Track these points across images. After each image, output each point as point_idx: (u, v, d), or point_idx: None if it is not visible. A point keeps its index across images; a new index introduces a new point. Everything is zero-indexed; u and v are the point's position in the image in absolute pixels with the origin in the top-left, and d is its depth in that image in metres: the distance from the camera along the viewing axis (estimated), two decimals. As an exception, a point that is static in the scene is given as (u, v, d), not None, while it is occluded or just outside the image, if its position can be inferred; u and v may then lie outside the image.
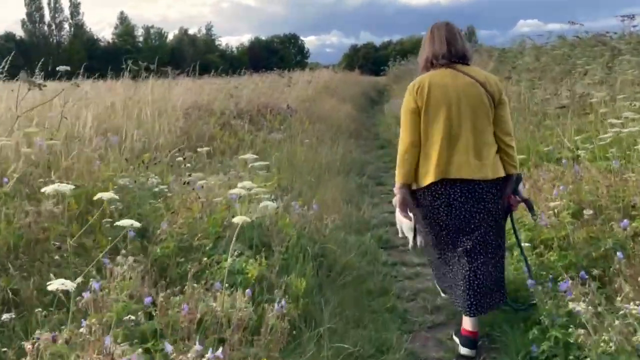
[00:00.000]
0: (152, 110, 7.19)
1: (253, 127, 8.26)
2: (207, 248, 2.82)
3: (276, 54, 72.35)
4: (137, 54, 62.71)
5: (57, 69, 4.81)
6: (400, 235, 4.24)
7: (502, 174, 2.66)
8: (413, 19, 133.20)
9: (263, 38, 79.71)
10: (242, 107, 9.27)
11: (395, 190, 2.78)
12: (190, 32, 74.56)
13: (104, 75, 10.10)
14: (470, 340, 2.68)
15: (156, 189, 3.95)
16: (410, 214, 2.80)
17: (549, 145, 5.48)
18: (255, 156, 3.25)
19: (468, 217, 2.65)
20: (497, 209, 2.70)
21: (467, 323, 2.70)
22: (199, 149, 4.12)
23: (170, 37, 73.23)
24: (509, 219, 2.83)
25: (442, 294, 3.16)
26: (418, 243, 3.42)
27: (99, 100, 6.45)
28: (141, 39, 71.62)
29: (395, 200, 2.87)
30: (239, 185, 2.21)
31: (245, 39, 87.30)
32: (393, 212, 5.12)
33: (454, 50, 2.71)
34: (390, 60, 27.31)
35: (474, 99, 2.64)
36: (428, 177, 2.63)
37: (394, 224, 4.77)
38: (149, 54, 62.27)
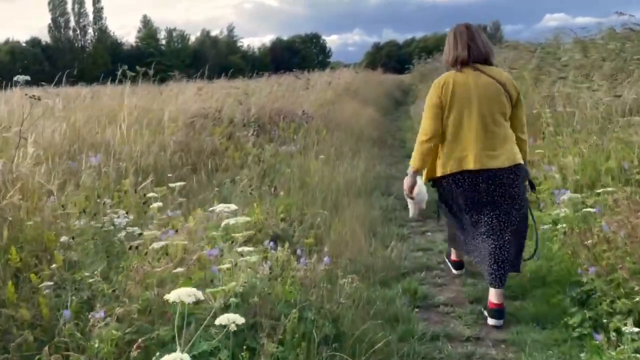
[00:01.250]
0: (149, 120, 6.34)
1: (264, 138, 7.34)
2: (159, 354, 1.88)
3: (298, 54, 71.83)
4: (160, 56, 63.05)
5: (15, 79, 3.98)
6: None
7: (518, 161, 2.91)
8: (436, 15, 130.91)
9: (285, 38, 79.17)
10: (253, 114, 8.36)
11: (409, 172, 3.14)
12: (213, 33, 74.38)
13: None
14: (497, 312, 2.89)
15: (123, 233, 3.05)
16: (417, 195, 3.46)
17: (622, 161, 4.41)
18: (232, 207, 2.27)
19: (488, 201, 2.91)
20: (517, 192, 2.92)
21: (493, 296, 2.92)
22: (171, 184, 3.19)
23: (193, 39, 73.19)
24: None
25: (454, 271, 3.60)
26: (411, 214, 3.97)
27: (81, 112, 5.59)
28: (164, 42, 71.81)
29: (406, 180, 3.22)
30: (181, 292, 1.27)
31: (268, 39, 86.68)
32: (428, 249, 4.15)
33: (476, 53, 2.94)
34: (414, 58, 26.11)
35: (493, 98, 2.89)
36: (449, 167, 2.91)
37: (430, 267, 3.78)
38: (172, 57, 62.55)
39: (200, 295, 1.32)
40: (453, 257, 3.61)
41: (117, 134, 5.37)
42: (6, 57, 52.16)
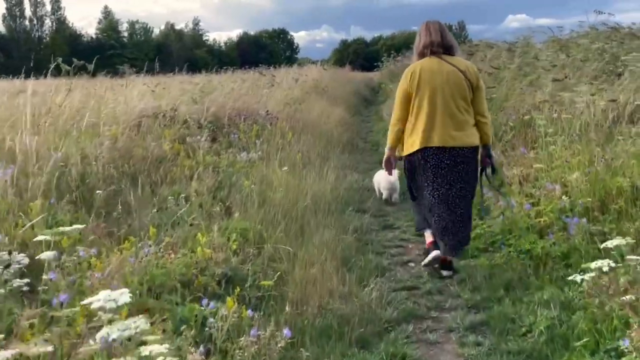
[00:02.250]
0: (81, 121, 5.41)
1: (221, 142, 6.50)
2: None
3: (265, 50, 71.01)
4: (121, 49, 60.90)
5: None
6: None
7: (476, 143, 3.41)
8: (404, 14, 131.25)
9: (252, 33, 78.06)
10: (210, 114, 7.50)
11: (386, 150, 3.61)
12: (178, 27, 72.63)
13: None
14: (447, 265, 3.50)
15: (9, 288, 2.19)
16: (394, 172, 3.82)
17: (634, 179, 3.78)
18: (122, 298, 1.39)
19: (449, 175, 3.35)
20: (472, 169, 3.43)
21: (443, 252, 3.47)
22: (64, 228, 2.27)
23: (157, 32, 71.30)
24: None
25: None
26: (393, 199, 4.48)
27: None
28: (126, 34, 69.72)
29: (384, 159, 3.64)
30: None
31: (235, 34, 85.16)
32: (414, 288, 3.42)
33: (444, 41, 3.41)
34: (383, 55, 25.53)
35: (455, 84, 3.33)
36: (417, 145, 3.35)
37: (418, 316, 3.03)
38: (134, 50, 60.43)
39: None
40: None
41: (39, 139, 4.44)
42: (-42, 48, 49.38)
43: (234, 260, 3.19)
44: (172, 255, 2.61)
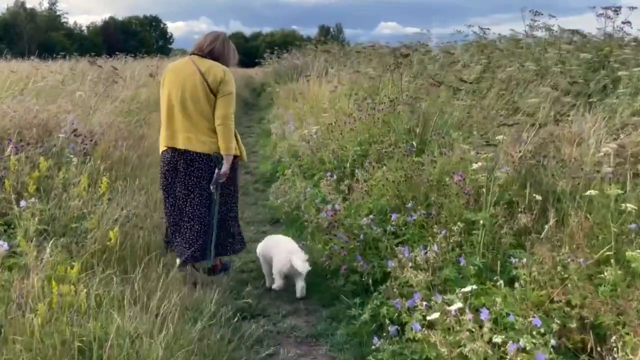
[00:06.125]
0: None
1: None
2: None
3: (135, 37, 64.97)
4: (-42, 28, 51.22)
5: None
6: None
7: (210, 150, 3.23)
8: (283, 13, 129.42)
9: (120, 18, 71.12)
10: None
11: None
12: (30, 6, 63.68)
13: None
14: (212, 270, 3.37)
15: None
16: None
17: None
18: None
19: (185, 179, 3.24)
20: (208, 176, 3.24)
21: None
22: None
23: (4, 9, 61.82)
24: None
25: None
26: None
27: None
28: (-37, 10, 59.53)
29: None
30: None
31: (102, 19, 76.76)
32: None
33: (203, 44, 3.34)
34: (266, 51, 22.56)
35: (193, 86, 3.21)
36: (164, 143, 3.29)
37: None
38: (-27, 29, 51.09)
39: None
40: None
41: None
42: None
43: None
44: None
